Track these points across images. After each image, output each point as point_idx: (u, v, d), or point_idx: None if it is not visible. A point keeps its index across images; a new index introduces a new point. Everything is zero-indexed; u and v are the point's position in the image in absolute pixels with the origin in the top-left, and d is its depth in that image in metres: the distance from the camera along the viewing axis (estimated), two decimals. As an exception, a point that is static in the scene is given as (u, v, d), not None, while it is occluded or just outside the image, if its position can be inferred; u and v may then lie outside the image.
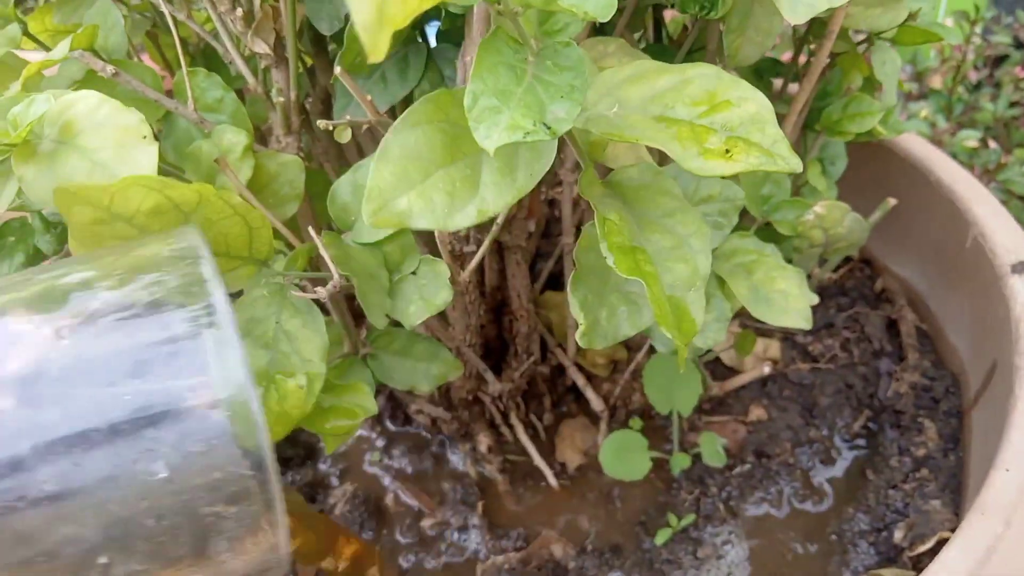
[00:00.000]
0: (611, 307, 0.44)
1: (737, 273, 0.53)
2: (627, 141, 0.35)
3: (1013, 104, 1.29)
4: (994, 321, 0.59)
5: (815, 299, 0.56)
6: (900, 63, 0.57)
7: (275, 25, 0.52)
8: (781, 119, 0.63)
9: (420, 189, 0.35)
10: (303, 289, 0.43)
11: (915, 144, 0.73)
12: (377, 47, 0.23)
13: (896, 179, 0.74)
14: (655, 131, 0.36)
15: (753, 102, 0.36)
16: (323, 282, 0.45)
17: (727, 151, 0.35)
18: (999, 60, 1.40)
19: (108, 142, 0.37)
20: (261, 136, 0.68)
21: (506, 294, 0.66)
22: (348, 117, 0.46)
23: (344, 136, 0.48)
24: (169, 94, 0.54)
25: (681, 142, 0.35)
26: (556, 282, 0.75)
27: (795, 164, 0.36)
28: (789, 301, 0.51)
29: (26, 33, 0.56)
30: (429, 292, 0.46)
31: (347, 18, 0.51)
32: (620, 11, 0.53)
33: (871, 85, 0.62)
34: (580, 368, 0.71)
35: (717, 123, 0.36)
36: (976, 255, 0.64)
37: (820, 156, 0.66)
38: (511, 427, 0.69)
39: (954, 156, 1.17)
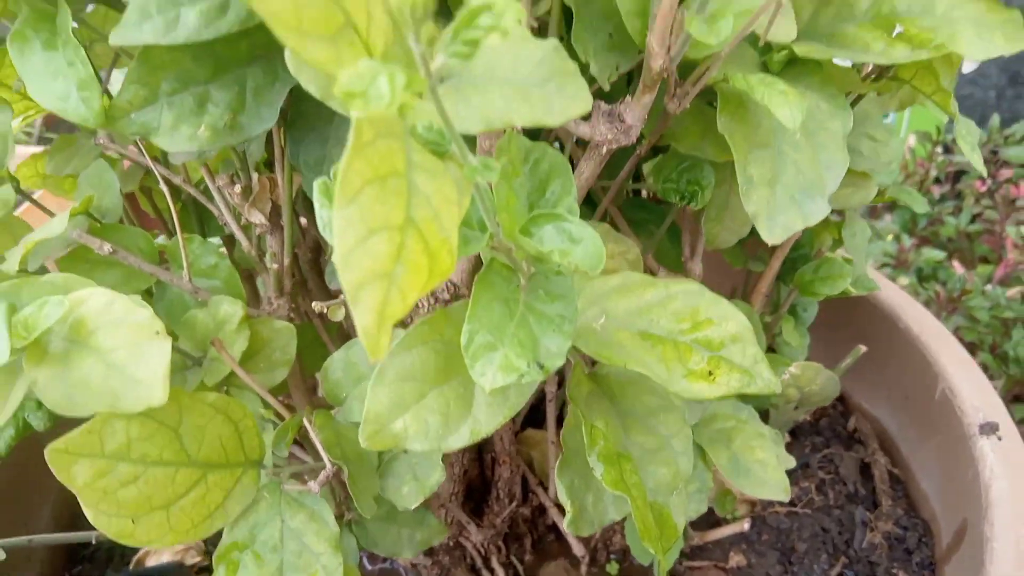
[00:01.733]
0: (597, 492, 0.45)
1: (717, 441, 0.54)
2: (615, 363, 0.37)
3: (974, 218, 1.34)
4: (963, 480, 0.61)
5: (791, 463, 0.57)
6: (869, 233, 0.60)
7: (272, 195, 0.53)
8: (757, 277, 0.66)
9: (415, 411, 0.36)
10: (298, 477, 0.44)
11: (885, 290, 0.76)
12: (378, 348, 0.25)
13: (866, 324, 0.77)
14: (641, 351, 0.37)
15: (734, 321, 0.38)
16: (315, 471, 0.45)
17: (710, 372, 0.37)
18: (959, 175, 1.46)
19: (122, 341, 0.38)
20: (249, 277, 0.69)
21: (489, 437, 0.67)
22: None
23: (338, 315, 0.49)
24: (163, 255, 0.56)
25: (666, 363, 0.37)
26: (536, 417, 0.76)
27: (774, 385, 0.38)
28: (768, 472, 0.53)
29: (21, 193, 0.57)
30: (422, 472, 0.47)
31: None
32: (604, 188, 0.55)
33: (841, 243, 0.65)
34: (561, 509, 0.71)
35: (700, 342, 0.38)
36: (944, 408, 0.66)
37: (793, 307, 0.68)
38: (492, 571, 0.69)
39: (919, 272, 1.21)
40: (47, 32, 0.41)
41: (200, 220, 0.67)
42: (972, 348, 1.02)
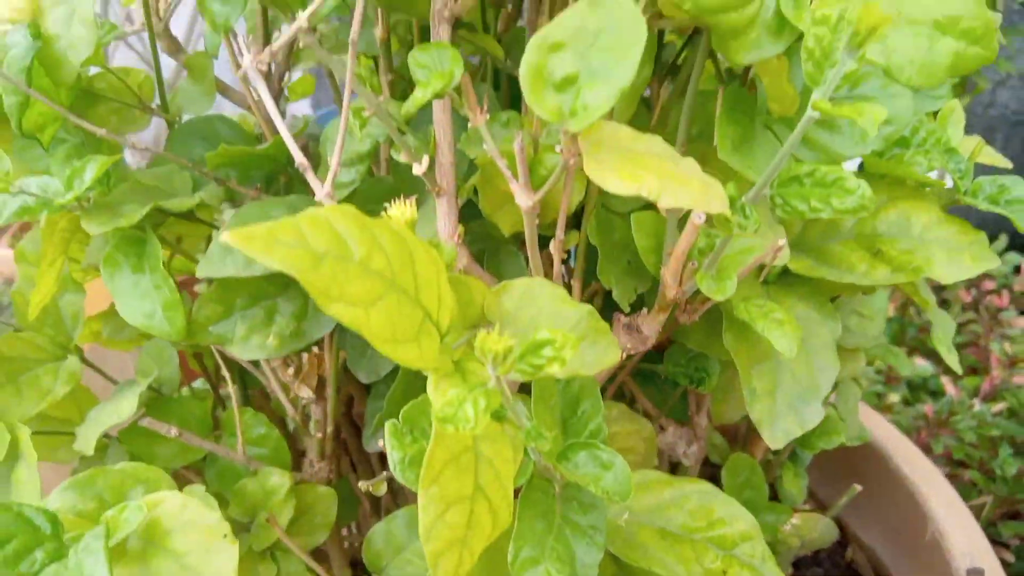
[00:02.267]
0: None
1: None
2: (640, 566, 0.42)
3: (960, 328, 1.40)
4: (955, 624, 0.65)
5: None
6: (860, 394, 0.65)
7: (319, 370, 0.59)
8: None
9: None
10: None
11: (879, 429, 0.81)
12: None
13: (860, 461, 0.81)
14: (662, 551, 0.42)
15: (743, 521, 0.43)
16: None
17: (724, 572, 0.42)
18: (945, 301, 1.52)
19: (194, 544, 0.43)
20: (281, 422, 0.74)
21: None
22: (380, 443, 0.53)
23: (381, 490, 0.54)
24: (216, 420, 0.61)
25: (685, 564, 0.42)
26: None
27: (779, 580, 0.43)
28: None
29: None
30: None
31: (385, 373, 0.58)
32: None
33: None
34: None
35: (714, 541, 0.43)
36: (935, 550, 0.70)
37: (792, 453, 0.73)
38: None
39: (910, 383, 1.26)
40: (135, 256, 0.47)
41: (241, 373, 0.72)
42: (961, 466, 1.07)
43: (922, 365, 1.27)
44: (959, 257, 0.48)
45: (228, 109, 0.60)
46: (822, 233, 0.50)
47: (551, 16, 0.46)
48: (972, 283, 1.44)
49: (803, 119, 0.30)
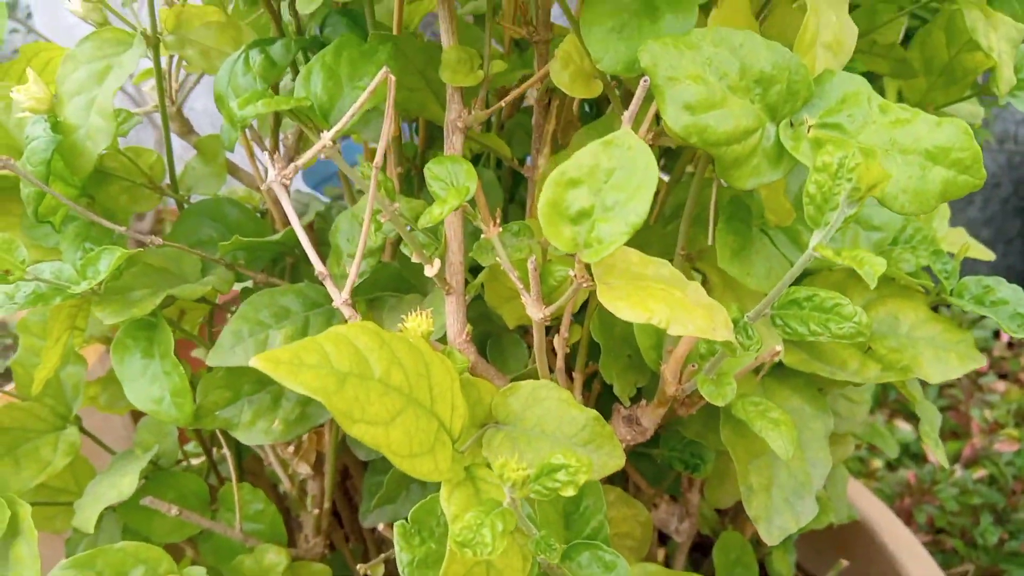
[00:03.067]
0: None
1: None
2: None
3: (941, 391, 1.42)
4: None
5: None
6: (848, 477, 0.67)
7: (318, 446, 0.59)
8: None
9: None
10: None
11: (863, 501, 0.82)
12: None
13: (847, 535, 0.82)
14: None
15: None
16: None
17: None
18: None
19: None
20: (273, 486, 0.74)
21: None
22: (381, 526, 0.53)
23: (378, 573, 0.54)
24: (212, 492, 0.61)
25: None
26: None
27: None
28: None
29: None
30: None
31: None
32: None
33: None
34: None
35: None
36: (920, 628, 0.71)
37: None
38: None
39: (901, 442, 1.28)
40: (145, 342, 0.47)
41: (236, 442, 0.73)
42: (943, 533, 1.08)
43: (904, 429, 1.29)
44: (946, 356, 0.49)
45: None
46: (814, 327, 0.52)
47: (557, 118, 0.48)
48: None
49: (803, 256, 0.31)
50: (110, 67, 0.48)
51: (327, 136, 0.35)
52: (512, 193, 0.60)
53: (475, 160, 0.61)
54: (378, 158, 0.35)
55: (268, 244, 0.50)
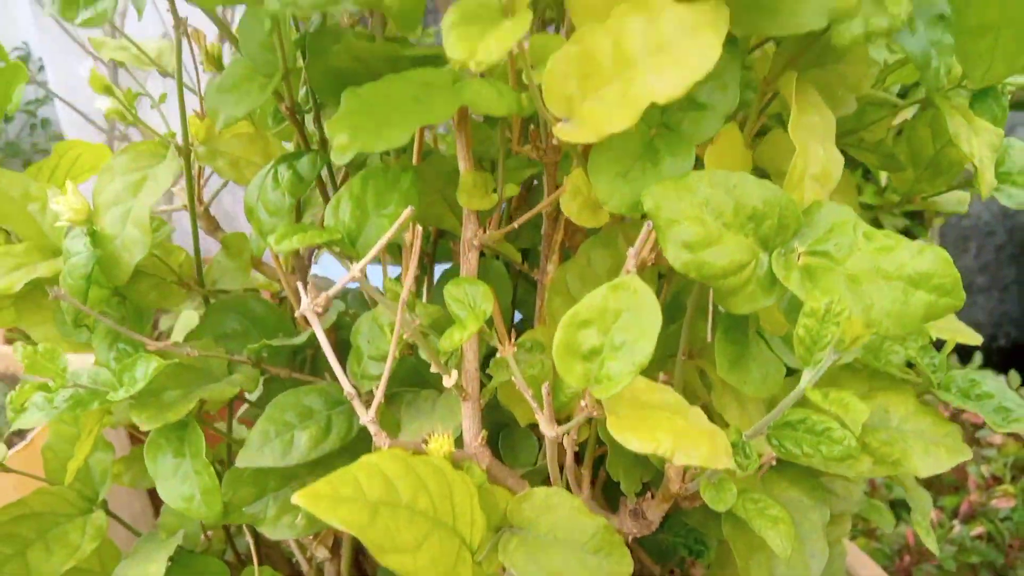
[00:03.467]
0: None
1: None
2: None
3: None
4: None
5: None
6: (847, 554, 0.69)
7: (336, 531, 0.62)
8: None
9: None
10: None
11: (864, 570, 0.84)
12: None
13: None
14: None
15: None
16: None
17: None
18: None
19: None
20: (289, 564, 0.76)
21: None
22: None
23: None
24: (234, 571, 0.63)
25: None
26: None
27: None
28: None
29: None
30: None
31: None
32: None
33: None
34: None
35: None
36: None
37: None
38: None
39: (891, 503, 1.30)
40: (176, 442, 0.50)
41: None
42: (944, 591, 1.10)
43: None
44: (935, 450, 0.52)
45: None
46: (810, 419, 0.54)
47: (566, 231, 0.51)
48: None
49: (793, 393, 0.34)
50: (145, 178, 0.52)
51: (356, 268, 0.38)
52: (517, 281, 0.63)
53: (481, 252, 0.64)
54: (404, 294, 0.38)
55: (292, 347, 0.53)
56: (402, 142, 0.35)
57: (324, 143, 0.55)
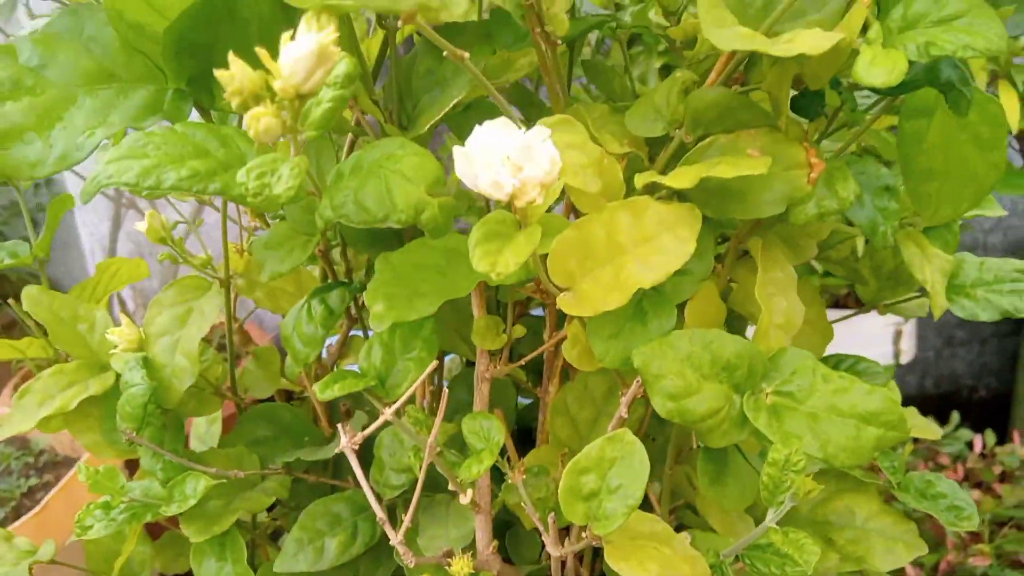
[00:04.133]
0: None
1: None
2: None
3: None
4: None
5: None
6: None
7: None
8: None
9: None
10: None
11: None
12: None
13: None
14: None
15: None
16: None
17: None
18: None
19: None
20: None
21: None
22: None
23: None
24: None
25: None
26: None
27: None
28: None
29: None
30: None
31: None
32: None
33: None
34: None
35: None
36: None
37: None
38: None
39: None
40: (218, 547, 0.56)
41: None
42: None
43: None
44: (895, 546, 0.58)
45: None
46: (786, 518, 0.61)
47: (560, 380, 0.57)
48: (929, 457, 1.55)
49: (759, 528, 0.41)
50: (191, 311, 0.58)
51: (389, 412, 0.44)
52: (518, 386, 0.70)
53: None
54: (432, 438, 0.44)
55: (320, 461, 0.59)
56: (431, 312, 0.42)
57: (349, 272, 0.62)
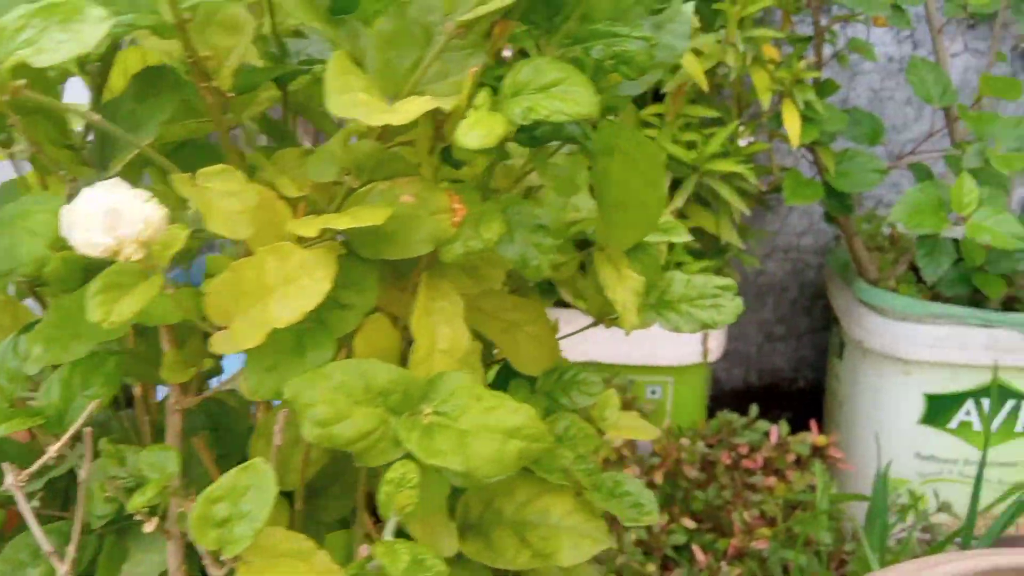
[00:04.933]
0: None
1: None
2: None
3: (722, 489, 1.62)
4: None
5: None
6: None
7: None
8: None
9: None
10: None
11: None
12: None
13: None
14: None
15: None
16: None
17: None
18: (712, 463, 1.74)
19: None
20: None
21: None
22: None
23: None
24: None
25: None
26: None
27: None
28: None
29: None
30: None
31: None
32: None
33: None
34: None
35: None
36: None
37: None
38: None
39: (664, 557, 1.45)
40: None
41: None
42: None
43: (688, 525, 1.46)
44: (582, 542, 0.65)
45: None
46: (491, 520, 0.67)
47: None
48: (731, 447, 1.67)
49: (384, 532, 0.46)
50: None
51: (58, 445, 0.47)
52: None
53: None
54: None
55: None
56: (83, 354, 0.45)
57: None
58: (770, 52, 1.49)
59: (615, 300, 0.69)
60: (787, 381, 2.36)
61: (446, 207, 0.50)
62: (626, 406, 1.69)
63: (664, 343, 1.69)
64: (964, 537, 1.32)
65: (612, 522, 1.38)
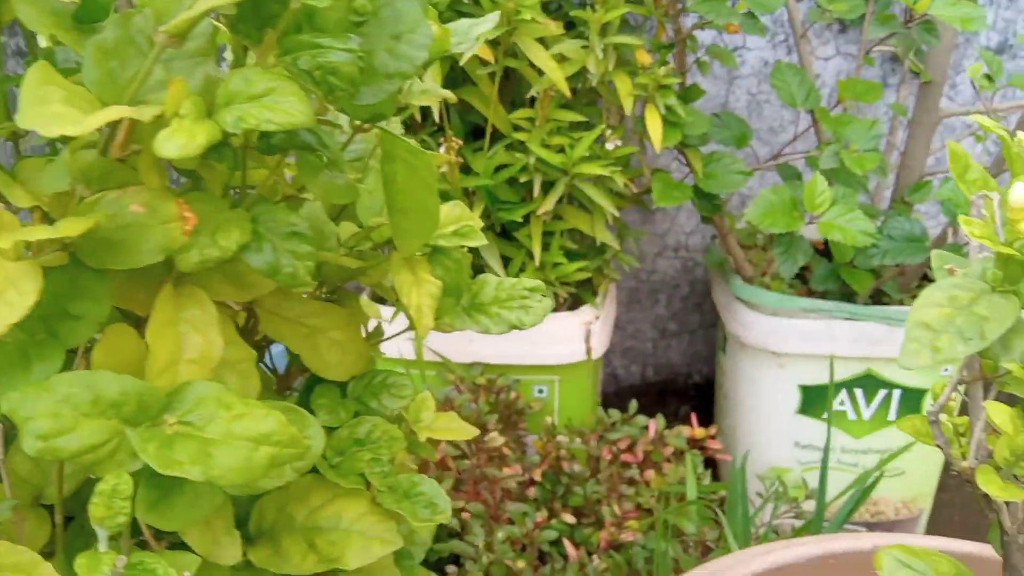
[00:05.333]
0: None
1: None
2: None
3: (599, 483, 1.65)
4: None
5: None
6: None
7: None
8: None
9: None
10: None
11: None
12: None
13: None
14: None
15: None
16: None
17: None
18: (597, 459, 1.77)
19: None
20: None
21: None
22: None
23: None
24: None
25: None
26: None
27: None
28: None
29: None
30: None
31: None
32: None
33: None
34: None
35: None
36: None
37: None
38: None
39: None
40: None
41: None
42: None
43: (568, 521, 1.48)
44: (371, 544, 0.66)
45: None
46: (283, 526, 0.67)
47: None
48: (612, 442, 1.70)
49: (98, 543, 0.46)
50: None
51: None
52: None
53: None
54: None
55: None
56: None
57: None
58: (643, 58, 1.52)
59: (408, 304, 0.69)
60: (682, 376, 2.41)
61: (176, 216, 0.50)
62: (510, 406, 1.71)
63: (548, 343, 1.71)
64: (814, 525, 1.37)
65: (488, 520, 1.39)
